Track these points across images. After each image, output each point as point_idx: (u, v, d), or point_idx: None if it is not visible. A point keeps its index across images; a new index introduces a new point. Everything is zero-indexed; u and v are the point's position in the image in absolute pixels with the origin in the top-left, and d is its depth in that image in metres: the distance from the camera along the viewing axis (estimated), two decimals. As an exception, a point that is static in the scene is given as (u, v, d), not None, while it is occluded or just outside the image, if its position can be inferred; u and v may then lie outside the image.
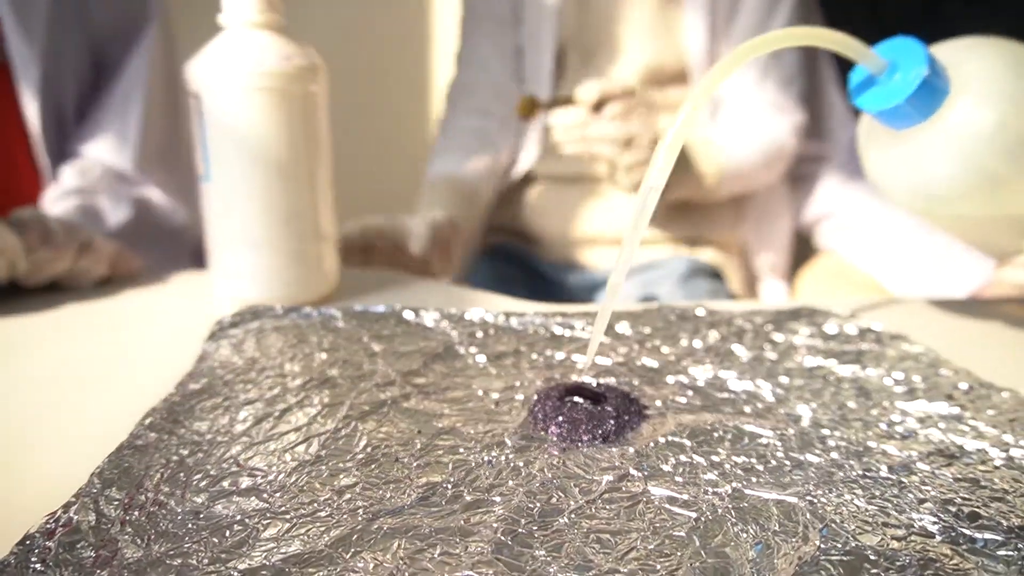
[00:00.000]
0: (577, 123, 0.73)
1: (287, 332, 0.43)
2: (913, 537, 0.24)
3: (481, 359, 0.40)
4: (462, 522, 0.26)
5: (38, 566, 0.23)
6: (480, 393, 0.36)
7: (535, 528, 0.25)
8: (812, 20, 0.90)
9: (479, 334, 0.44)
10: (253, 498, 0.27)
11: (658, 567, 0.23)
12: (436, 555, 0.24)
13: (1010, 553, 0.23)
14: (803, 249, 1.02)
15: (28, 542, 0.24)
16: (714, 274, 0.88)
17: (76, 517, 0.25)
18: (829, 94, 0.95)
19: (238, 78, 0.47)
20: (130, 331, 0.48)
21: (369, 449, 0.31)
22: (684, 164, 0.80)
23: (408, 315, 0.46)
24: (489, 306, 0.52)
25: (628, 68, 0.87)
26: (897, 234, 0.86)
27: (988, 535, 0.24)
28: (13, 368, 0.41)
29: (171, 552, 0.24)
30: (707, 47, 0.85)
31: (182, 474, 0.29)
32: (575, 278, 0.92)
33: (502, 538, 0.25)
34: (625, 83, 0.73)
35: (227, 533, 0.25)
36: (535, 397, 0.35)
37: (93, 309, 0.52)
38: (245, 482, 0.28)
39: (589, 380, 0.37)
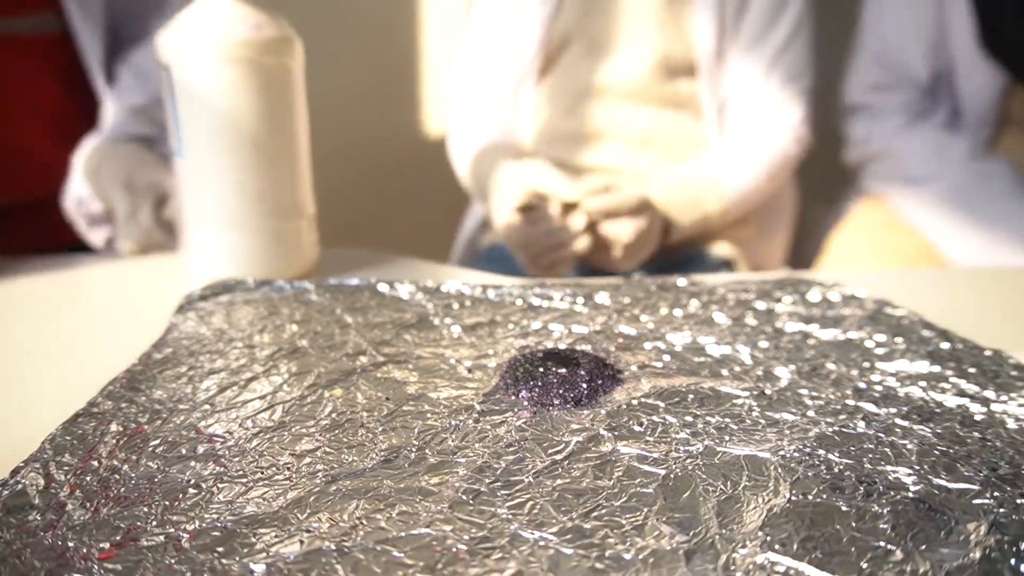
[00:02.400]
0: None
1: (258, 305, 0.42)
2: (887, 490, 0.24)
3: (456, 329, 0.39)
4: (423, 483, 0.25)
5: (-21, 529, 0.22)
6: (452, 361, 0.36)
7: (498, 487, 0.25)
8: (819, 17, 0.88)
9: (455, 305, 0.43)
10: (211, 463, 0.27)
11: (623, 523, 0.23)
12: (394, 514, 0.23)
13: (986, 502, 0.22)
14: (807, 239, 1.01)
15: (-29, 506, 0.23)
16: (727, 264, 0.88)
17: (24, 482, 0.25)
18: (905, 27, 0.88)
19: (208, 48, 0.46)
20: (103, 307, 0.47)
21: (334, 415, 0.30)
22: (689, 210, 0.80)
23: (383, 288, 0.45)
24: (468, 280, 0.51)
25: (637, 58, 0.86)
26: (957, 191, 0.82)
27: (964, 485, 0.23)
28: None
29: (120, 514, 0.23)
30: (716, 41, 0.84)
31: (139, 440, 0.28)
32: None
33: (463, 497, 0.24)
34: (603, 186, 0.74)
35: (180, 496, 0.24)
36: (507, 363, 0.34)
37: (69, 282, 0.51)
38: (203, 448, 0.27)
39: (563, 347, 0.37)
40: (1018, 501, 0.22)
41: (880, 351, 0.36)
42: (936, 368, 0.33)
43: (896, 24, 0.88)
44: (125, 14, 0.75)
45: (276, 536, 0.22)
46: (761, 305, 0.43)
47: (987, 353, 0.35)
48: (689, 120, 0.89)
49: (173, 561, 0.21)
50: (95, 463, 0.26)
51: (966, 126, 0.86)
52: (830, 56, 0.98)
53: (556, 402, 0.31)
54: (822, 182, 1.03)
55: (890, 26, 0.89)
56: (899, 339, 0.37)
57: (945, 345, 0.36)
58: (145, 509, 0.24)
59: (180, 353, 0.36)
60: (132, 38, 0.75)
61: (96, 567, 0.20)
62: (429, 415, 0.30)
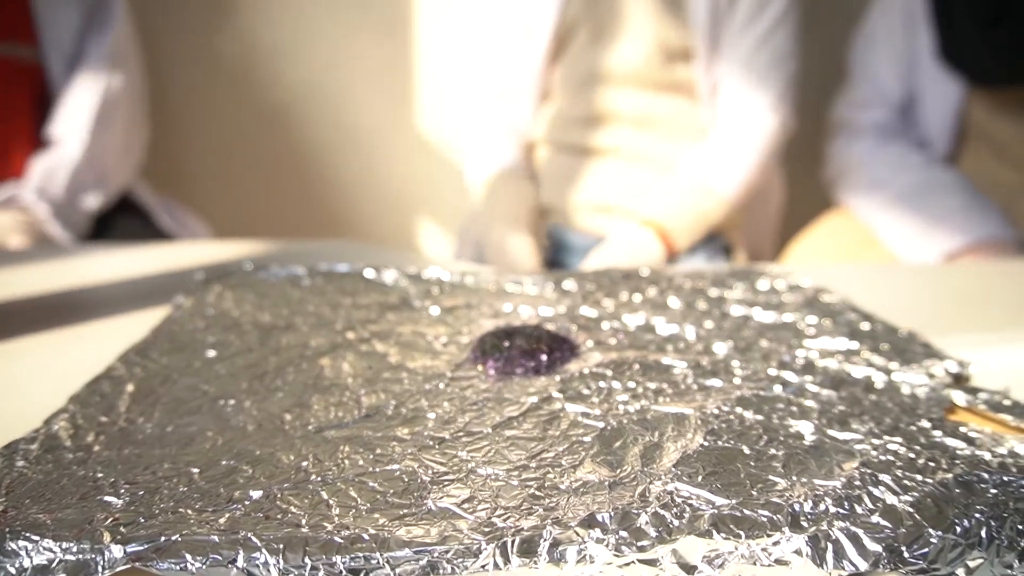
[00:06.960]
0: None
1: (256, 286, 0.46)
2: (787, 439, 0.28)
3: (435, 310, 0.44)
4: (398, 432, 0.29)
5: (21, 463, 0.26)
6: (430, 338, 0.40)
7: (461, 436, 0.29)
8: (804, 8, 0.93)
9: (434, 290, 0.47)
10: (214, 417, 0.31)
11: (563, 463, 0.27)
12: (371, 456, 0.28)
13: (863, 447, 0.27)
14: (794, 225, 1.06)
15: (13, 446, 0.27)
16: (725, 250, 0.93)
17: (57, 427, 0.29)
18: (882, 49, 0.95)
19: None
20: (122, 287, 0.52)
21: (324, 381, 0.34)
22: (694, 230, 0.87)
23: (369, 273, 0.49)
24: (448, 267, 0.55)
25: (637, 45, 0.91)
26: (907, 194, 0.88)
27: (850, 435, 0.28)
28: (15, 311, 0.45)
29: (137, 454, 0.28)
30: (710, 27, 0.89)
31: (151, 399, 0.32)
32: (584, 243, 0.95)
33: (430, 443, 0.28)
34: None
35: (187, 444, 0.29)
36: (477, 338, 0.38)
37: (91, 267, 0.56)
38: (208, 406, 0.32)
39: (528, 325, 0.41)
40: (887, 447, 0.27)
41: (810, 331, 0.40)
42: (854, 345, 0.38)
43: (875, 43, 0.94)
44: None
45: (271, 471, 0.26)
46: (714, 292, 0.48)
47: (901, 334, 0.39)
48: (686, 103, 0.94)
49: (185, 489, 0.25)
50: (114, 416, 0.31)
51: (928, 141, 0.92)
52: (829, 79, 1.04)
53: (518, 371, 0.35)
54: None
55: (870, 44, 0.95)
56: (827, 321, 0.41)
57: (865, 326, 0.40)
58: (159, 451, 0.28)
59: (186, 327, 0.40)
60: None
61: (123, 490, 0.25)
62: (406, 381, 0.34)
